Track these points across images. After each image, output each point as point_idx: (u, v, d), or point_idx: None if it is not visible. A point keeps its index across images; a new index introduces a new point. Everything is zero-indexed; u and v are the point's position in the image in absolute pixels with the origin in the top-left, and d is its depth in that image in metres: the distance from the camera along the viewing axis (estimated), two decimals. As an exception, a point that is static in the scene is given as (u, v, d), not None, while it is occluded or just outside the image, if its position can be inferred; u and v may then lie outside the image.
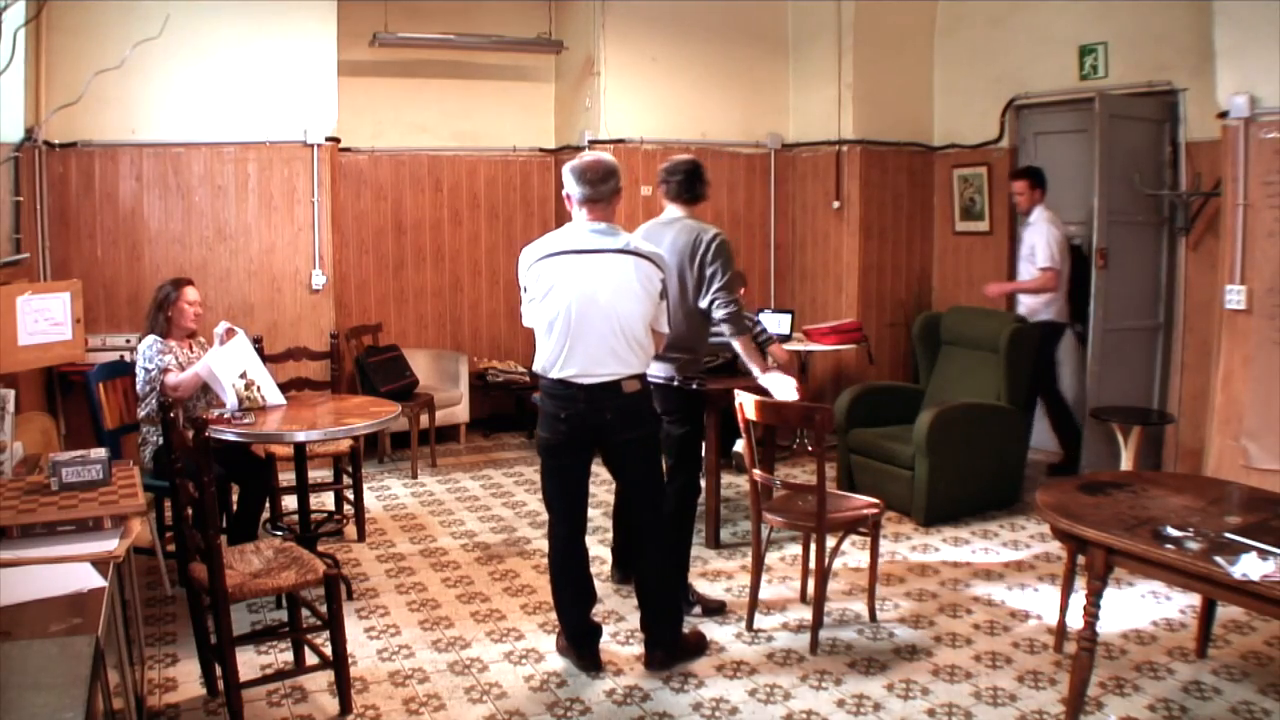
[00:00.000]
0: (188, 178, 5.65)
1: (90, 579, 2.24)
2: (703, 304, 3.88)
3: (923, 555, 4.67)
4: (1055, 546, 4.53)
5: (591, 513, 4.22)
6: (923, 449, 4.94)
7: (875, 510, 3.82)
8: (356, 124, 6.41)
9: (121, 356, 4.96)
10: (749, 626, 3.84)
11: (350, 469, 4.96)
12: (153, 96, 5.51)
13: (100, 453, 2.86)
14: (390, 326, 6.71)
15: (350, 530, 4.93)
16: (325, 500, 5.32)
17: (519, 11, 6.90)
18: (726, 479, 5.94)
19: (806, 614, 3.93)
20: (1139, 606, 4.02)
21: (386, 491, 5.74)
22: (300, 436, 3.85)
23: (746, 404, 3.75)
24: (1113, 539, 2.86)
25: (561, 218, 7.05)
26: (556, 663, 3.56)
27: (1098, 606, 2.97)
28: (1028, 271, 5.82)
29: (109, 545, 2.46)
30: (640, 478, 3.52)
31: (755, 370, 4.07)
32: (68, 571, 2.28)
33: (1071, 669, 3.06)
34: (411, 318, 6.92)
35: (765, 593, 4.10)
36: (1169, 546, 2.76)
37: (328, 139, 5.87)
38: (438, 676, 3.45)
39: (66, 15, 5.25)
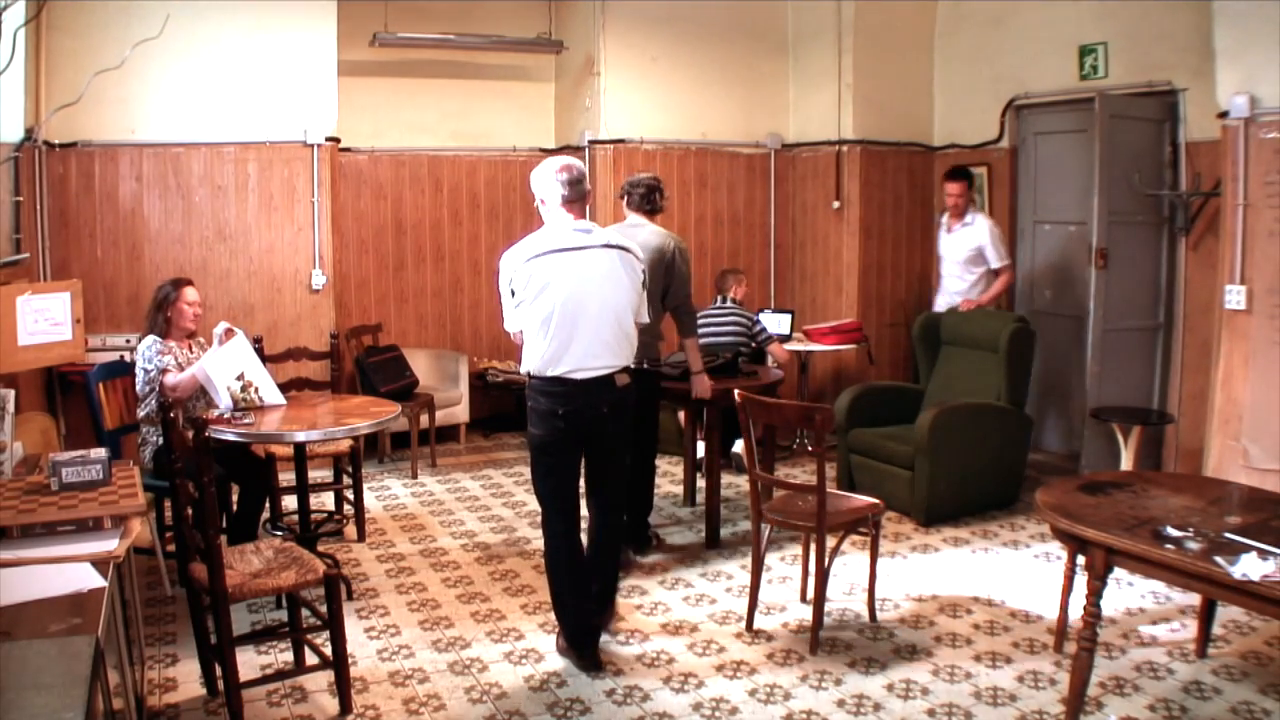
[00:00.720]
0: (188, 178, 5.65)
1: (90, 579, 2.24)
2: (669, 304, 4.10)
3: (923, 555, 4.67)
4: (1055, 546, 4.53)
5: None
6: (923, 449, 4.94)
7: (875, 510, 3.82)
8: (356, 124, 6.41)
9: (121, 356, 4.96)
10: (749, 626, 3.84)
11: (350, 469, 4.96)
12: (153, 96, 5.51)
13: (100, 453, 2.86)
14: (390, 326, 6.71)
15: (350, 530, 4.93)
16: (325, 500, 5.32)
17: (519, 11, 6.90)
18: (726, 479, 5.94)
19: (806, 614, 3.93)
20: (1139, 606, 4.02)
21: (386, 491, 5.74)
22: (300, 436, 3.85)
23: (747, 404, 3.75)
24: (1113, 539, 2.86)
25: (561, 218, 7.07)
26: (556, 663, 3.56)
27: (1098, 606, 2.97)
28: (964, 275, 6.01)
29: (109, 545, 2.46)
30: (618, 469, 3.63)
31: (694, 368, 4.59)
32: (68, 571, 2.28)
33: (1071, 669, 3.06)
34: (411, 318, 6.92)
35: (765, 593, 4.10)
36: (1169, 546, 2.76)
37: (328, 139, 5.87)
38: (438, 676, 3.45)
39: (66, 15, 5.25)
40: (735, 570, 4.47)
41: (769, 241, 7.20)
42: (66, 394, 5.11)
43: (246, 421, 3.87)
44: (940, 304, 6.17)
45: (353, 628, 3.74)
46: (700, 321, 6.10)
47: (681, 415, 6.23)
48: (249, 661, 3.48)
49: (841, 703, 3.26)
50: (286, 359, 4.93)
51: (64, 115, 5.17)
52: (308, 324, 5.89)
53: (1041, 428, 5.99)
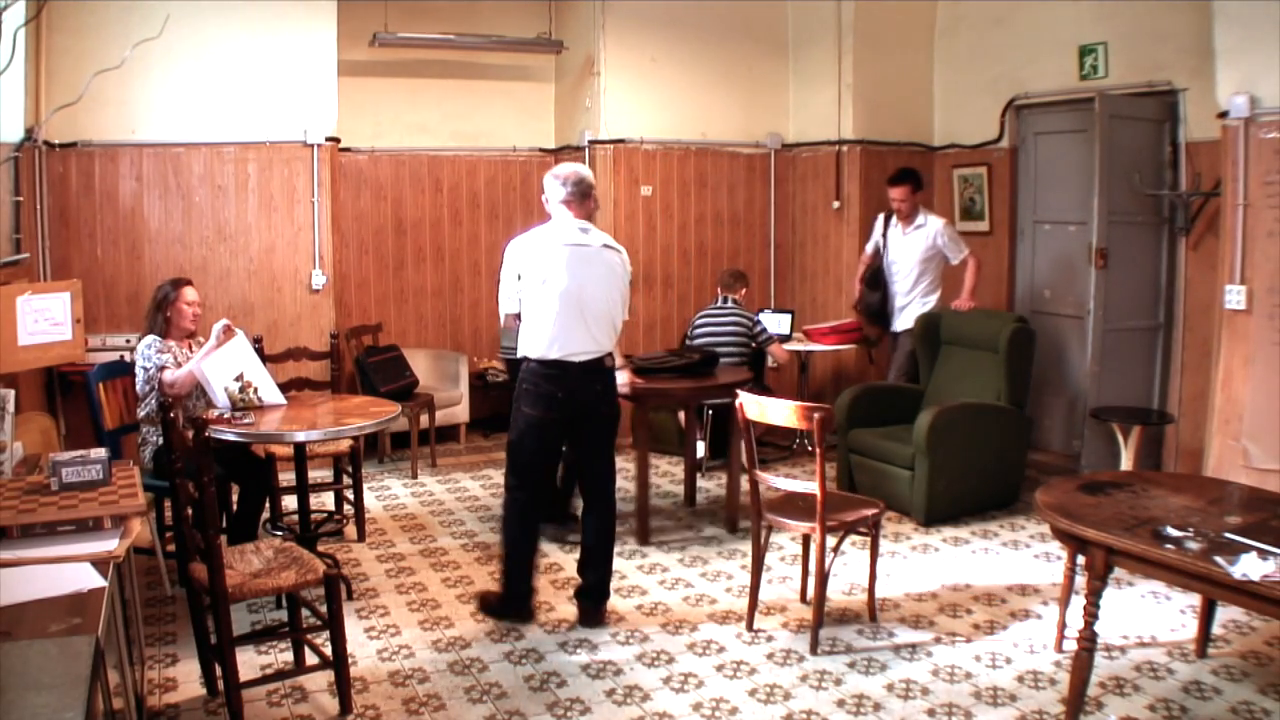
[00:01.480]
0: (188, 178, 5.65)
1: (90, 579, 2.24)
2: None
3: (923, 555, 4.67)
4: (1055, 546, 4.53)
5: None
6: (923, 449, 4.94)
7: (875, 510, 3.82)
8: (356, 124, 6.41)
9: (121, 356, 4.96)
10: (749, 626, 3.84)
11: (350, 469, 4.96)
12: (153, 96, 5.51)
13: (100, 453, 2.86)
14: (390, 326, 6.71)
15: (350, 530, 4.93)
16: (325, 500, 5.32)
17: (519, 11, 6.90)
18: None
19: (806, 614, 3.93)
20: (1139, 606, 4.02)
21: (386, 491, 5.74)
22: (300, 436, 3.85)
23: (747, 404, 3.76)
24: (1113, 539, 2.86)
25: (561, 218, 7.07)
26: (556, 662, 3.56)
27: (1098, 606, 2.97)
28: (920, 277, 5.97)
29: (109, 545, 2.46)
30: (606, 450, 3.88)
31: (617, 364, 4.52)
32: (68, 571, 2.28)
33: (1071, 669, 3.06)
34: (411, 318, 6.93)
35: (765, 593, 4.10)
36: (1169, 546, 2.76)
37: (328, 139, 5.87)
38: (438, 676, 3.45)
39: (66, 15, 5.25)
40: (735, 570, 4.47)
41: (769, 241, 7.20)
42: (66, 394, 5.11)
43: (246, 421, 3.86)
44: (902, 315, 6.00)
45: (353, 628, 3.74)
46: (700, 321, 6.12)
47: (682, 416, 6.23)
48: (249, 661, 3.48)
49: (841, 703, 3.26)
50: (286, 359, 4.93)
51: (64, 115, 5.17)
52: (308, 324, 5.89)
53: (1041, 428, 5.99)
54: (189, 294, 4.18)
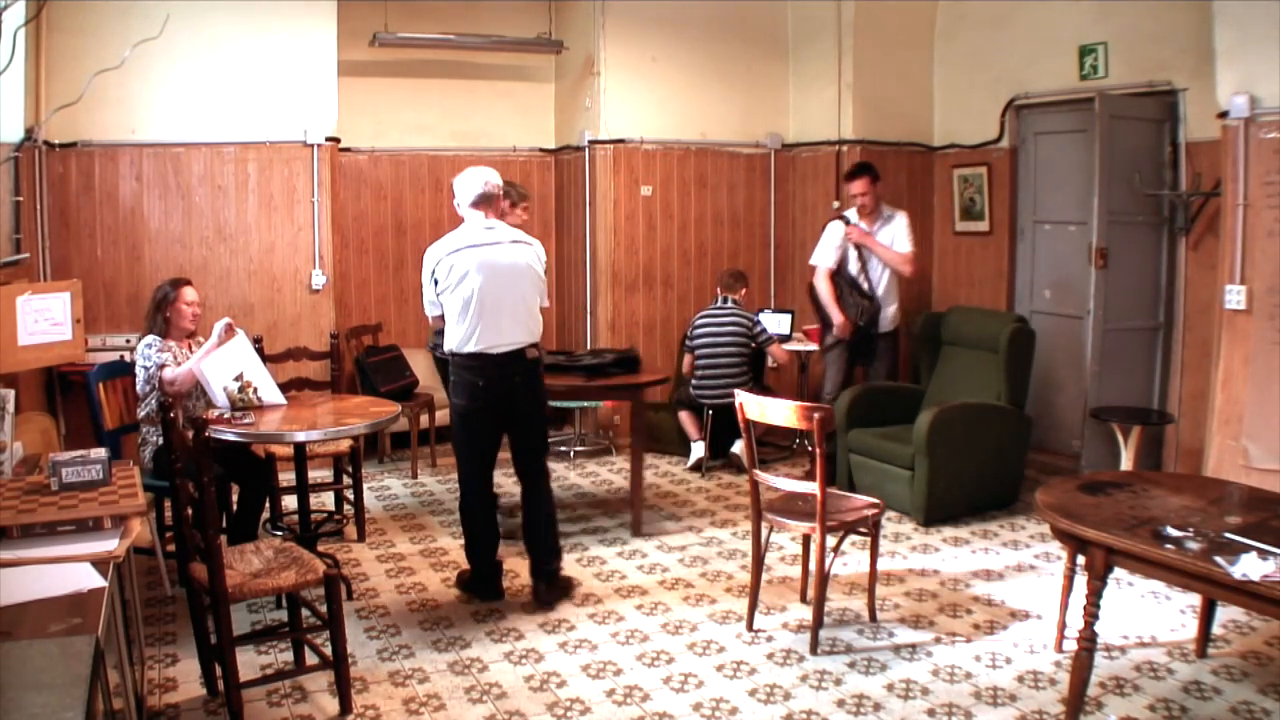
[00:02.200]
0: (188, 178, 5.65)
1: (90, 579, 2.24)
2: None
3: (923, 555, 4.67)
4: (1055, 546, 4.53)
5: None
6: (923, 449, 4.94)
7: (875, 510, 3.82)
8: (356, 124, 6.41)
9: (121, 356, 4.95)
10: (749, 626, 3.84)
11: (350, 469, 4.96)
12: (153, 96, 5.51)
13: (100, 453, 2.86)
14: (390, 326, 6.71)
15: (350, 530, 4.93)
16: (325, 500, 5.32)
17: (519, 11, 6.90)
18: (726, 478, 5.95)
19: (806, 614, 3.93)
20: (1139, 606, 4.02)
21: (386, 491, 5.74)
22: (300, 436, 3.84)
23: (747, 404, 3.76)
24: (1113, 539, 2.86)
25: (562, 215, 7.08)
26: (556, 662, 3.56)
27: (1098, 606, 2.97)
28: (891, 274, 5.66)
29: (109, 545, 2.46)
30: (536, 433, 4.13)
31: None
32: (68, 571, 2.28)
33: (1071, 669, 3.06)
34: (411, 318, 6.91)
35: (765, 593, 4.10)
36: (1169, 546, 2.76)
37: (328, 139, 5.87)
38: (438, 676, 3.45)
39: (66, 15, 5.25)
40: (735, 570, 4.47)
41: (769, 241, 7.20)
42: (66, 394, 5.11)
43: (246, 421, 3.86)
44: (883, 317, 5.70)
45: (353, 628, 3.74)
46: (700, 322, 6.13)
47: (683, 415, 6.24)
48: (249, 661, 3.48)
49: (841, 703, 3.26)
50: (286, 359, 4.93)
51: (64, 115, 5.17)
52: (308, 324, 5.89)
53: (1041, 428, 5.98)
54: (188, 294, 4.18)
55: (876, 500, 3.92)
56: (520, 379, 3.98)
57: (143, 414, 4.08)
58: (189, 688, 3.34)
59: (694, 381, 6.11)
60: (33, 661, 1.78)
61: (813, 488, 3.59)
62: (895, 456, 5.16)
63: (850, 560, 4.47)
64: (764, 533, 3.85)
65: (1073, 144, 6.01)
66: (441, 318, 4.00)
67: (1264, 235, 4.51)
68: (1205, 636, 3.56)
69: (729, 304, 6.13)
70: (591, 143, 6.61)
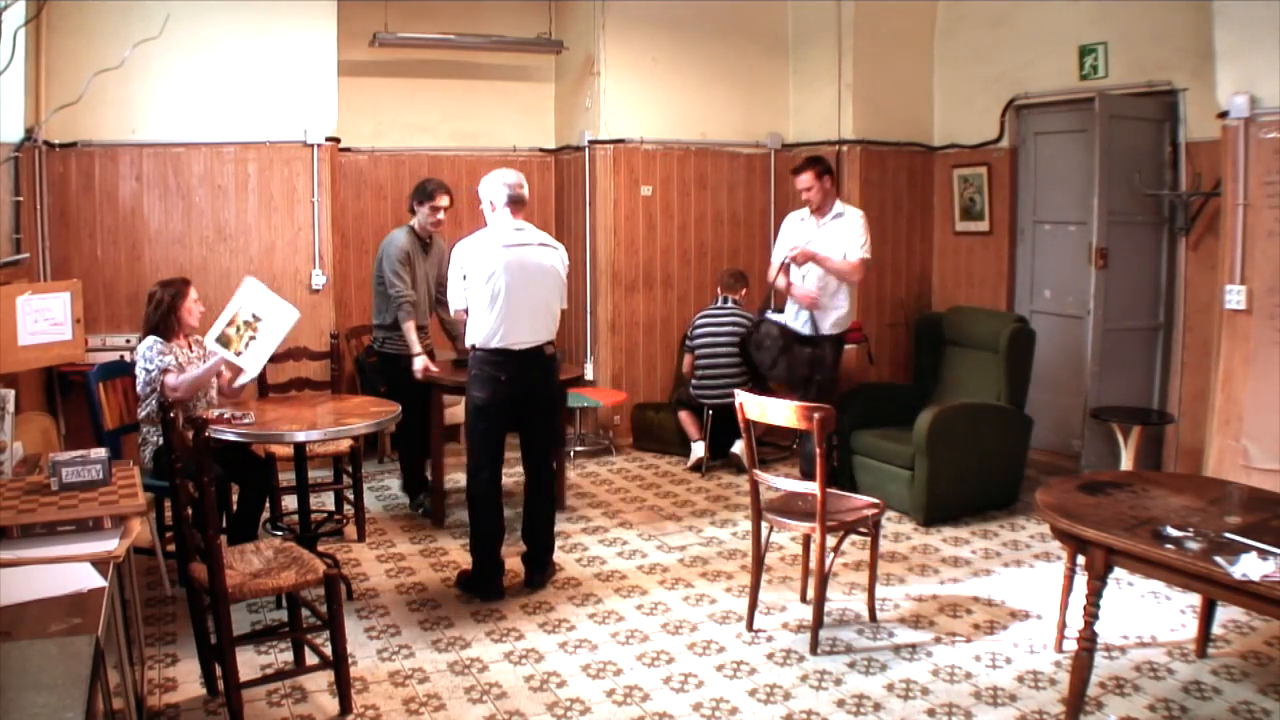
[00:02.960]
0: (188, 178, 5.65)
1: (90, 579, 2.24)
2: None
3: (923, 555, 4.67)
4: (1055, 546, 4.53)
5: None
6: (923, 449, 4.94)
7: (875, 510, 3.82)
8: (356, 124, 6.40)
9: (121, 356, 4.95)
10: (749, 626, 3.84)
11: (350, 469, 4.96)
12: (153, 96, 5.51)
13: (100, 453, 2.86)
14: (390, 326, 6.69)
15: (350, 530, 4.93)
16: (325, 500, 5.32)
17: (519, 11, 6.90)
18: (726, 478, 5.95)
19: (806, 614, 3.93)
20: (1139, 606, 4.02)
21: (386, 491, 5.73)
22: (300, 436, 3.85)
23: (747, 404, 3.76)
24: (1113, 539, 2.87)
25: (562, 215, 7.07)
26: (556, 662, 3.56)
27: (1098, 606, 2.98)
28: (815, 279, 5.21)
29: (109, 545, 2.46)
30: (548, 428, 4.29)
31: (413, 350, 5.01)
32: (68, 571, 2.28)
33: (1071, 669, 3.06)
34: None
35: (765, 593, 4.10)
36: (1169, 546, 2.76)
37: (328, 139, 5.87)
38: (438, 676, 3.45)
39: (66, 15, 5.24)
40: (735, 570, 4.47)
41: (769, 241, 7.17)
42: (66, 394, 5.11)
43: (247, 421, 3.87)
44: (825, 319, 5.23)
45: (353, 628, 3.74)
46: (700, 322, 6.13)
47: (683, 416, 6.24)
48: (249, 661, 3.48)
49: (841, 703, 3.26)
50: (286, 359, 4.91)
51: (64, 115, 5.16)
52: (308, 324, 5.85)
53: (1041, 428, 5.97)
54: (193, 293, 4.19)
55: (876, 500, 3.92)
56: (539, 373, 4.14)
57: (143, 414, 4.08)
58: (189, 688, 3.34)
59: (694, 381, 6.11)
60: (33, 661, 1.78)
61: (813, 488, 3.59)
62: (895, 456, 5.16)
63: (850, 560, 4.47)
64: (764, 533, 3.85)
65: (1073, 144, 6.01)
66: (466, 311, 4.12)
67: (1264, 235, 4.51)
68: (1205, 636, 3.56)
69: (729, 304, 6.13)
70: (591, 143, 6.60)
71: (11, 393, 3.21)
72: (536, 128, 7.16)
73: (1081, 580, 3.09)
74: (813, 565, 3.83)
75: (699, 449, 6.09)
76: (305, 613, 3.42)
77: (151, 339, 4.06)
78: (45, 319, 4.23)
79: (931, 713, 3.20)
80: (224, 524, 4.08)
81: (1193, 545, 2.75)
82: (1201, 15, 4.87)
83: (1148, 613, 3.96)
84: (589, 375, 6.77)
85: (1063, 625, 3.63)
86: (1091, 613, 2.97)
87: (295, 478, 4.17)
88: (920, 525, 5.05)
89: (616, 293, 6.68)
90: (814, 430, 3.54)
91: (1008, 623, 3.89)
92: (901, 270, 6.92)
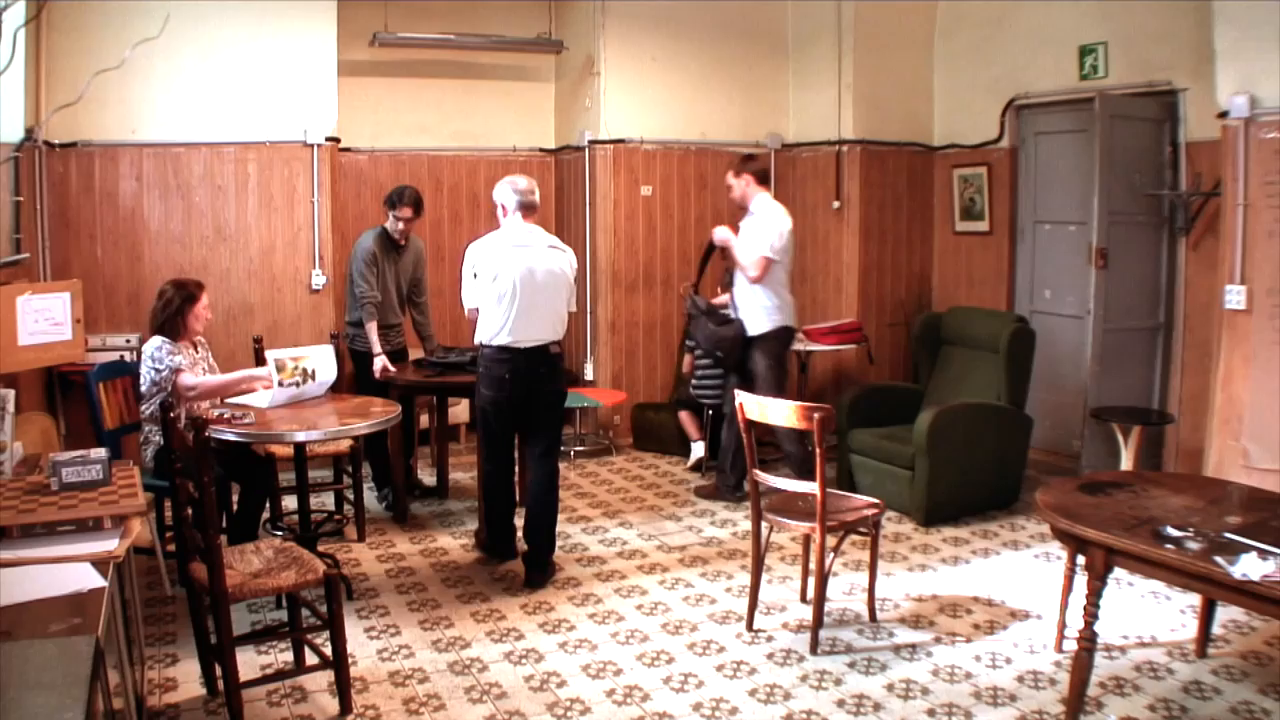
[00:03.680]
0: (188, 178, 5.65)
1: (90, 579, 2.24)
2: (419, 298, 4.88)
3: (923, 555, 4.67)
4: (1055, 546, 4.53)
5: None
6: (923, 449, 4.94)
7: (875, 510, 3.82)
8: (356, 124, 6.40)
9: (121, 356, 4.96)
10: (749, 626, 3.85)
11: (350, 469, 4.96)
12: (153, 96, 5.51)
13: (100, 453, 2.86)
14: (390, 326, 6.69)
15: (350, 530, 4.93)
16: (325, 500, 5.32)
17: (519, 11, 6.90)
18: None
19: (806, 614, 3.93)
20: (1139, 606, 4.02)
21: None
22: (300, 436, 3.84)
23: (747, 404, 3.76)
24: (1113, 539, 2.87)
25: (562, 215, 7.07)
26: (556, 662, 3.56)
27: (1098, 606, 2.98)
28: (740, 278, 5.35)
29: (109, 545, 2.46)
30: (552, 424, 4.38)
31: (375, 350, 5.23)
32: (68, 571, 2.28)
33: (1071, 669, 3.06)
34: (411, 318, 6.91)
35: (765, 593, 4.10)
36: (1169, 546, 2.76)
37: (328, 139, 5.86)
38: (438, 676, 3.45)
39: (66, 15, 5.24)
40: (735, 570, 4.47)
41: (769, 241, 7.18)
42: (66, 394, 5.11)
43: (247, 421, 3.86)
44: (751, 318, 5.38)
45: (353, 628, 3.74)
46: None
47: (683, 416, 6.24)
48: (249, 661, 3.48)
49: (841, 703, 3.26)
50: (286, 359, 4.92)
51: (64, 115, 5.16)
52: (308, 324, 5.88)
53: (1042, 428, 5.97)
54: (204, 299, 4.19)
55: (876, 500, 3.92)
56: (544, 370, 4.26)
57: (146, 413, 4.07)
58: (189, 688, 3.34)
59: (694, 381, 6.11)
60: (33, 661, 1.78)
61: (813, 488, 3.59)
62: (895, 456, 5.16)
63: (850, 560, 4.47)
64: (764, 533, 3.85)
65: (1073, 144, 6.01)
66: (475, 310, 4.27)
67: (1264, 235, 4.51)
68: (1205, 636, 3.56)
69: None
70: (591, 143, 6.60)
71: (11, 393, 3.21)
72: (536, 128, 7.16)
73: (1081, 580, 3.09)
74: (813, 565, 3.83)
75: (699, 449, 6.09)
76: (305, 613, 3.42)
77: (159, 339, 4.05)
78: (45, 319, 4.23)
79: (931, 713, 3.20)
80: (224, 524, 4.08)
81: (1193, 545, 2.75)
82: (1201, 15, 4.87)
83: (1148, 613, 3.96)
84: (589, 375, 6.77)
85: (1063, 625, 3.63)
86: (1091, 613, 2.97)
87: (295, 478, 4.18)
88: (920, 525, 5.05)
89: (616, 293, 6.68)
90: (814, 430, 3.54)
91: (1008, 623, 3.89)
92: (901, 270, 6.92)
